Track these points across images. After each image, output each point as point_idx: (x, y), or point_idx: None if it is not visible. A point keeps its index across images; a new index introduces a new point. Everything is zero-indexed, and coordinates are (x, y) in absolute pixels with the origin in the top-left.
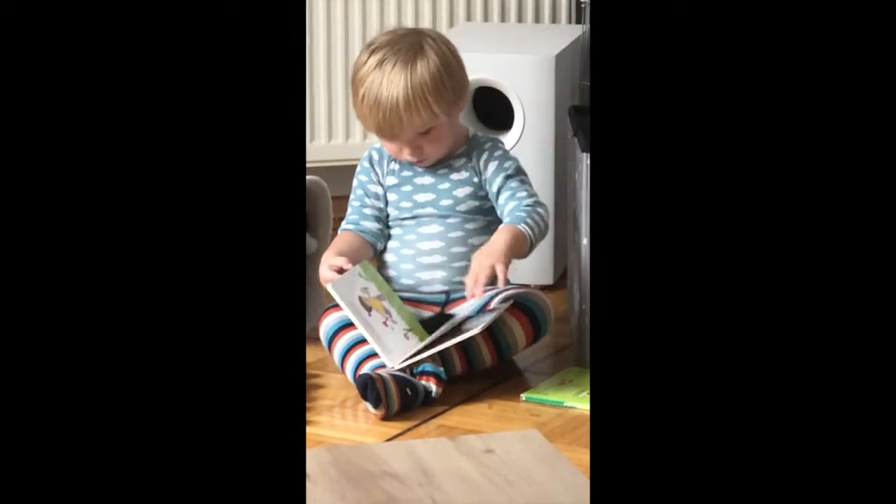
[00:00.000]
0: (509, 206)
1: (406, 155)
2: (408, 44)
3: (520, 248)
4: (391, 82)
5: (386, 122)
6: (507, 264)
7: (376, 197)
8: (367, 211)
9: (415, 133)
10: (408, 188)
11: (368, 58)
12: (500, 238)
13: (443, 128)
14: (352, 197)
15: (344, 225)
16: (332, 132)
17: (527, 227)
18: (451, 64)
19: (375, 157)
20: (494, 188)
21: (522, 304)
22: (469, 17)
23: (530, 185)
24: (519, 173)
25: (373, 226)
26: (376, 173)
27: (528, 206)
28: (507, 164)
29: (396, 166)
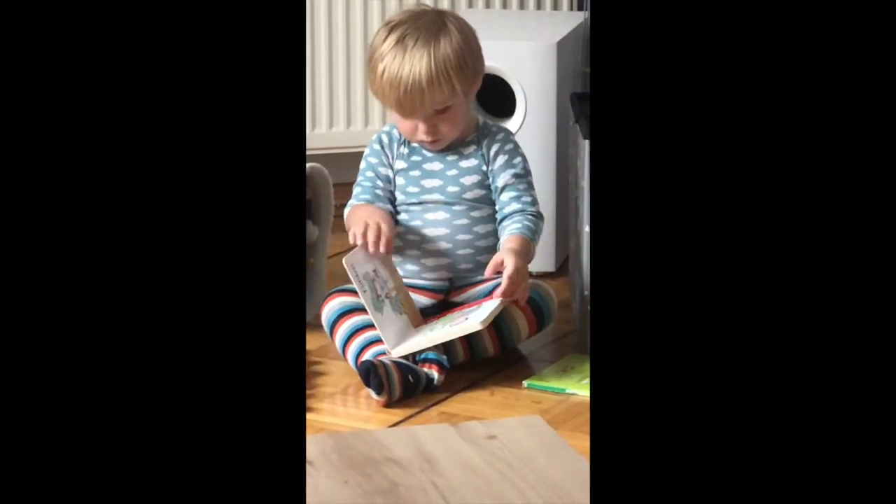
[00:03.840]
0: (512, 207)
1: (421, 133)
2: (429, 20)
3: (530, 256)
4: (414, 57)
5: (407, 97)
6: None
7: (387, 180)
8: (379, 192)
9: (433, 110)
10: (416, 173)
11: (388, 35)
12: (519, 243)
13: (459, 108)
14: (360, 178)
15: (358, 199)
16: (334, 120)
17: (532, 238)
18: (471, 42)
19: (385, 140)
20: (500, 183)
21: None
22: (471, 4)
23: (533, 188)
24: (527, 174)
25: (386, 207)
26: (386, 156)
27: (532, 214)
28: (516, 161)
29: (406, 150)
